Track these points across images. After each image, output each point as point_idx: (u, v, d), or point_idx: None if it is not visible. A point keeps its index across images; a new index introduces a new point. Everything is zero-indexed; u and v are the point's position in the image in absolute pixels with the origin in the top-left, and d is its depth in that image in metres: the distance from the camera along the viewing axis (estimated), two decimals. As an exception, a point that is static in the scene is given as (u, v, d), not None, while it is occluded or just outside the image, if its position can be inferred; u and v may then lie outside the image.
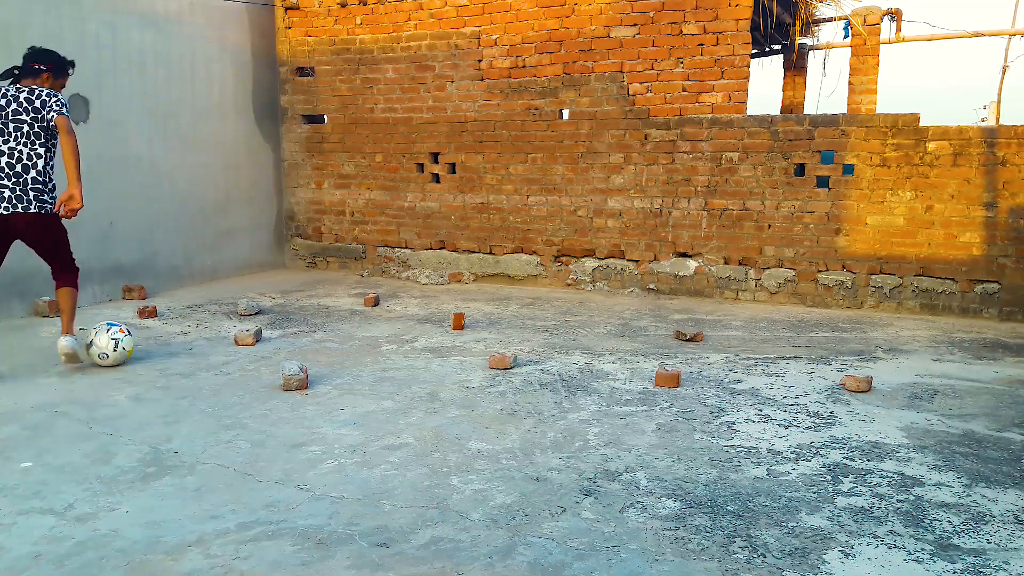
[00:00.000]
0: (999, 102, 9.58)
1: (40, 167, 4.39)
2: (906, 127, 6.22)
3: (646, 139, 6.99)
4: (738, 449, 3.36)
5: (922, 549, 2.51)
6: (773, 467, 3.16)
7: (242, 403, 3.94)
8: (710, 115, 6.74)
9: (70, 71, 4.71)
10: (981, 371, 4.65)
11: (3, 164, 4.32)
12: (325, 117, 8.40)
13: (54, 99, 4.36)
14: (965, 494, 2.93)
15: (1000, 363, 4.84)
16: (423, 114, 7.86)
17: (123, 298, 6.64)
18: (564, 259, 7.47)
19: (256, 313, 6.10)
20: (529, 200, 7.53)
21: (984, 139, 6.02)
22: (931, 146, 6.15)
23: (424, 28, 7.73)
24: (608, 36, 7.01)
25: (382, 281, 7.88)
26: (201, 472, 3.10)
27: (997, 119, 9.81)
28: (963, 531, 2.63)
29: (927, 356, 4.99)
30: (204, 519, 2.69)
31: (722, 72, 6.65)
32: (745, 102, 6.67)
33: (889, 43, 7.87)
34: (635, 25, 6.89)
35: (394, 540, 2.55)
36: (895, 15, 7.77)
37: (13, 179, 4.33)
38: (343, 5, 8.05)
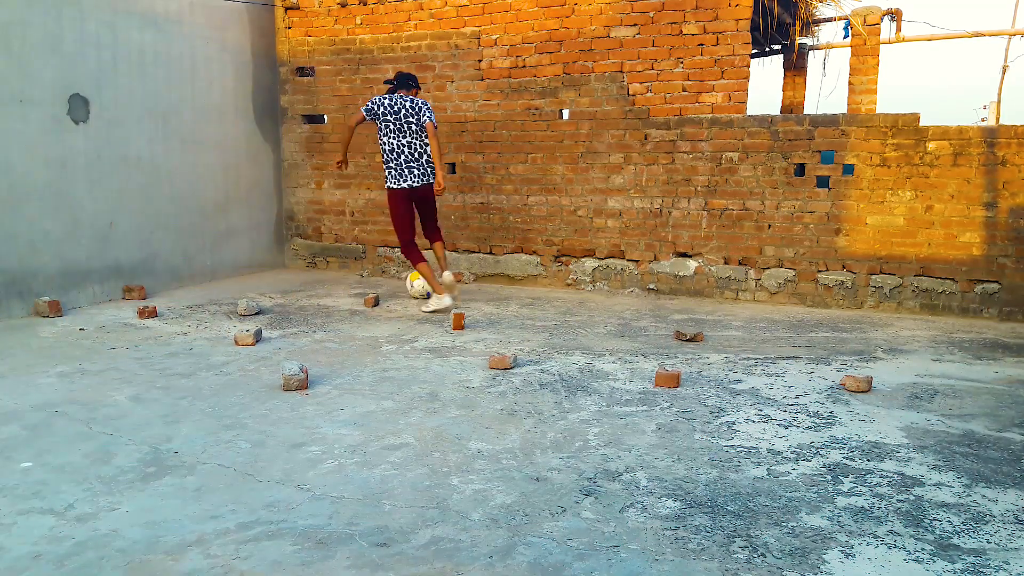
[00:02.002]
0: (999, 102, 9.58)
1: (428, 153, 6.18)
2: (906, 127, 6.22)
3: (646, 139, 6.99)
4: (738, 449, 3.36)
5: (922, 549, 2.51)
6: (773, 467, 3.16)
7: (242, 403, 3.94)
8: (710, 115, 6.74)
9: (416, 87, 6.35)
10: (981, 371, 4.65)
11: (408, 153, 6.13)
12: (325, 117, 8.40)
13: (426, 107, 6.13)
14: (965, 494, 2.93)
15: (1000, 363, 4.84)
16: (423, 114, 7.85)
17: (123, 298, 6.64)
18: (564, 259, 7.47)
19: (256, 313, 6.10)
20: (529, 200, 7.53)
21: (984, 139, 6.02)
22: (931, 146, 6.15)
23: (424, 28, 7.73)
24: (608, 36, 7.01)
25: (382, 281, 7.88)
26: (201, 472, 3.10)
27: (997, 119, 9.81)
28: (963, 531, 2.63)
29: (927, 356, 4.99)
30: (204, 519, 2.69)
31: (722, 72, 6.65)
32: (745, 102, 6.67)
33: (889, 43, 7.87)
34: (635, 25, 6.89)
35: (394, 540, 2.55)
36: (895, 15, 7.77)
37: (418, 163, 6.15)
38: (343, 5, 8.05)
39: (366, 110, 6.12)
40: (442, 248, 6.52)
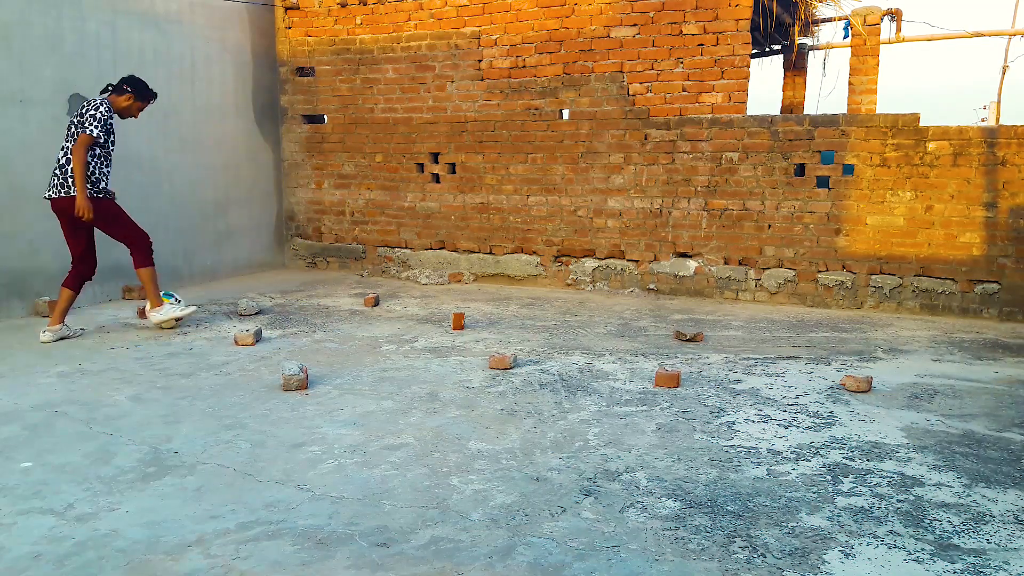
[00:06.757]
0: (999, 102, 9.57)
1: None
2: (906, 127, 6.22)
3: (646, 139, 6.99)
4: (738, 449, 3.36)
5: (922, 549, 2.51)
6: (773, 467, 3.16)
7: (242, 403, 3.94)
8: (710, 115, 6.74)
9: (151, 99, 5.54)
10: (981, 371, 4.65)
11: (61, 157, 5.18)
12: (325, 117, 8.40)
13: (91, 114, 5.11)
14: (965, 494, 2.93)
15: (1000, 363, 4.84)
16: (423, 114, 7.86)
17: (123, 298, 6.64)
18: (564, 259, 7.47)
19: (256, 313, 6.10)
20: (529, 200, 7.53)
21: (984, 139, 6.02)
22: (931, 146, 6.15)
23: (424, 28, 7.73)
24: (608, 36, 7.01)
25: (382, 281, 7.88)
26: (201, 472, 3.10)
27: (997, 119, 9.81)
28: (963, 531, 2.63)
29: (927, 356, 4.99)
30: (204, 519, 2.69)
31: (722, 72, 6.65)
32: (745, 102, 6.67)
33: (889, 43, 7.87)
34: (635, 25, 6.89)
35: (394, 540, 2.55)
36: (895, 15, 7.77)
37: (61, 169, 5.17)
38: (343, 5, 8.05)
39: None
40: (146, 275, 5.38)
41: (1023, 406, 3.99)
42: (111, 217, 5.29)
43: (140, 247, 5.38)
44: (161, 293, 5.53)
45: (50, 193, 5.16)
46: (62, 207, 5.13)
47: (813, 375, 4.52)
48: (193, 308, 5.61)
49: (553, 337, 5.42)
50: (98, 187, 5.22)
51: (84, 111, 5.12)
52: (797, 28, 8.57)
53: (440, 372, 4.52)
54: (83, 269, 5.30)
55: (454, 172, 7.83)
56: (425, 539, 2.55)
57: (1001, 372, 4.63)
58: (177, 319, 5.54)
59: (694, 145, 6.82)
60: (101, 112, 5.13)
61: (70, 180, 5.09)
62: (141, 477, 3.04)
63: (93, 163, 5.17)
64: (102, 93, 5.35)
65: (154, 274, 5.43)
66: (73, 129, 5.13)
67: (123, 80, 5.39)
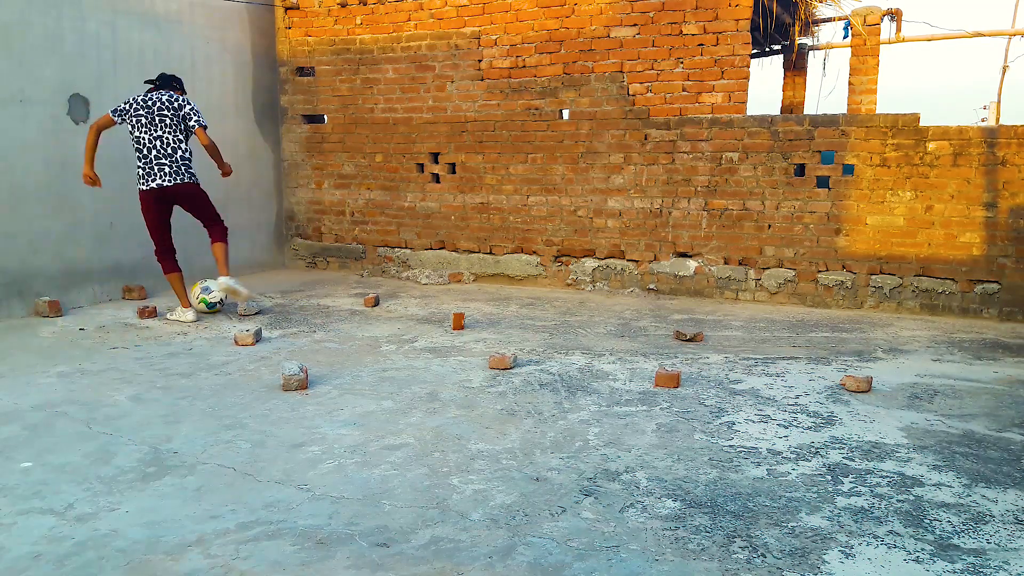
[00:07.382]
0: (999, 102, 9.57)
1: (183, 149, 5.75)
2: (906, 127, 6.22)
3: (646, 139, 6.99)
4: (738, 449, 3.36)
5: (922, 549, 2.51)
6: (773, 467, 3.16)
7: (242, 403, 3.94)
8: (710, 115, 6.74)
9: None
10: (981, 371, 4.65)
11: (160, 148, 5.64)
12: (325, 117, 8.40)
13: (190, 106, 5.72)
14: (965, 494, 2.93)
15: (1000, 363, 4.84)
16: (423, 114, 7.86)
17: (123, 298, 6.64)
18: (564, 259, 7.47)
19: (256, 313, 6.11)
20: (529, 200, 7.53)
21: (984, 139, 6.02)
22: (931, 146, 6.15)
23: (424, 28, 7.73)
24: (608, 36, 7.01)
25: (382, 281, 7.88)
26: (201, 472, 3.10)
27: (997, 119, 9.81)
28: (963, 531, 2.63)
29: (927, 356, 4.99)
30: (204, 519, 2.69)
31: (722, 72, 6.65)
32: (745, 102, 6.67)
33: (889, 43, 7.87)
34: (635, 25, 6.89)
35: (394, 540, 2.55)
36: (895, 15, 7.77)
37: (171, 159, 5.67)
38: (343, 5, 8.05)
39: (115, 111, 5.58)
40: (221, 249, 5.94)
41: (1023, 406, 3.99)
42: (201, 197, 5.90)
43: (220, 227, 6.00)
44: (204, 283, 6.08)
45: (161, 182, 5.62)
46: (174, 193, 5.69)
47: (813, 375, 4.52)
48: (194, 318, 5.87)
49: (553, 337, 5.42)
50: (192, 170, 5.79)
51: (178, 105, 5.61)
52: (797, 28, 8.57)
53: (440, 372, 4.52)
54: (173, 255, 5.89)
55: (454, 172, 7.83)
56: (425, 539, 2.55)
57: (1001, 372, 4.63)
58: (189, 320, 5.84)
59: (694, 145, 6.82)
60: (195, 104, 5.73)
61: (183, 167, 5.68)
62: (141, 477, 3.05)
63: (190, 148, 5.76)
64: (149, 87, 5.80)
65: (181, 279, 5.88)
66: (168, 122, 5.58)
67: (170, 77, 5.82)
